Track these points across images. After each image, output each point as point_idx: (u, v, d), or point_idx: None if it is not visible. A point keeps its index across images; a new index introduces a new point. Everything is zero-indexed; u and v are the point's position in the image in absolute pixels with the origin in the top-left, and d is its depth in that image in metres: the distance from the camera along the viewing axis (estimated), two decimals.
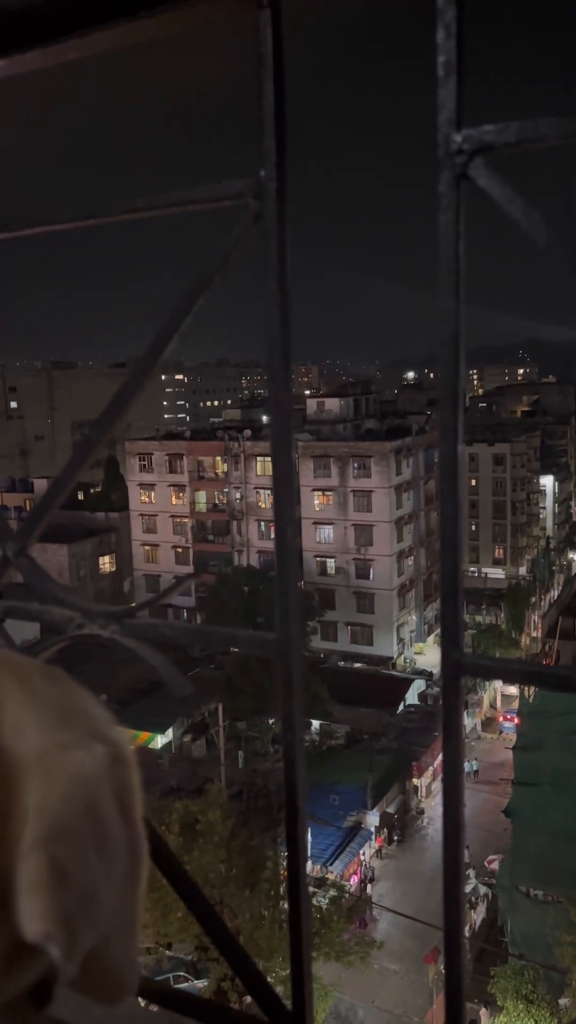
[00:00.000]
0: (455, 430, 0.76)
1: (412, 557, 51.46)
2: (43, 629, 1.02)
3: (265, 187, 0.81)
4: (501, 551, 68.36)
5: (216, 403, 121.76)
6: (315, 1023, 0.91)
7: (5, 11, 0.86)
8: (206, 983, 19.44)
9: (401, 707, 37.40)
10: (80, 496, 65.13)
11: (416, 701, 39.60)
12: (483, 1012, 19.95)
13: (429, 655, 49.26)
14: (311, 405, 59.21)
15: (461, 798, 0.79)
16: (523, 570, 62.97)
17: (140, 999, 1.08)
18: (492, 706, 42.92)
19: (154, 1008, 1.09)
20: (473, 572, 65.06)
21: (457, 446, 0.77)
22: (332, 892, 20.85)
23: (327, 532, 49.82)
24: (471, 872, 25.39)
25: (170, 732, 34.82)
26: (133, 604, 0.96)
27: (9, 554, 1.05)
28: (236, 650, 38.95)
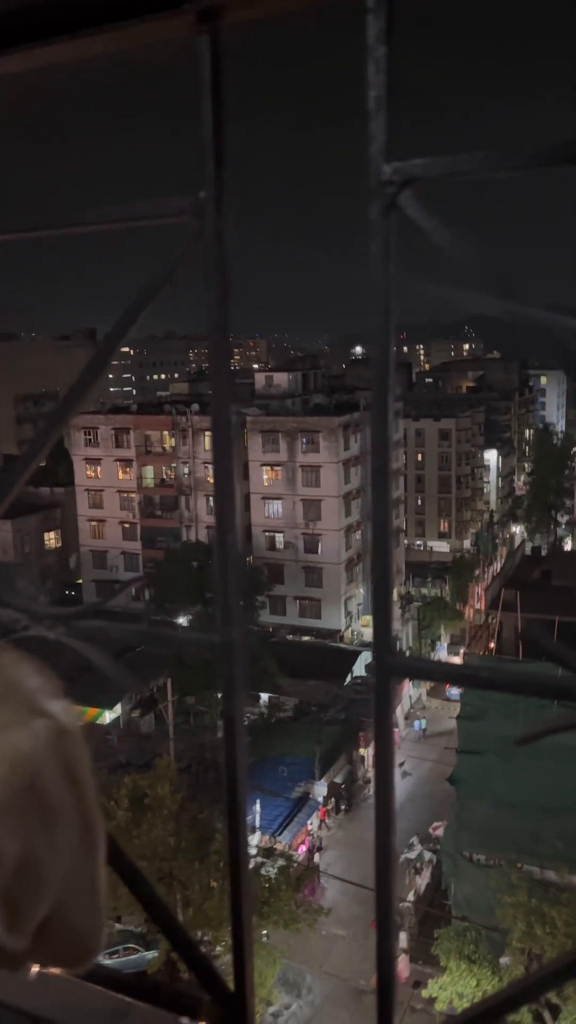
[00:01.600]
0: (385, 448, 0.80)
1: (360, 531, 51.92)
2: None
3: (205, 207, 0.83)
4: (446, 524, 69.36)
5: (163, 376, 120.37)
6: (255, 1002, 0.97)
7: None
8: (156, 954, 19.65)
9: (349, 679, 37.90)
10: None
11: (363, 673, 40.16)
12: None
13: None
14: (259, 379, 58.98)
15: (392, 792, 0.84)
16: (467, 543, 64.08)
17: (88, 983, 1.12)
18: None
19: (102, 990, 1.13)
20: (419, 545, 65.96)
21: (388, 460, 0.81)
22: (280, 862, 21.19)
23: (276, 507, 49.93)
24: (415, 839, 25.99)
25: (118, 708, 34.76)
26: (79, 607, 0.99)
27: None
28: (184, 623, 38.94)
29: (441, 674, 0.89)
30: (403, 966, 21.61)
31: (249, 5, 0.77)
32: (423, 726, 35.30)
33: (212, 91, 0.81)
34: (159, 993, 1.06)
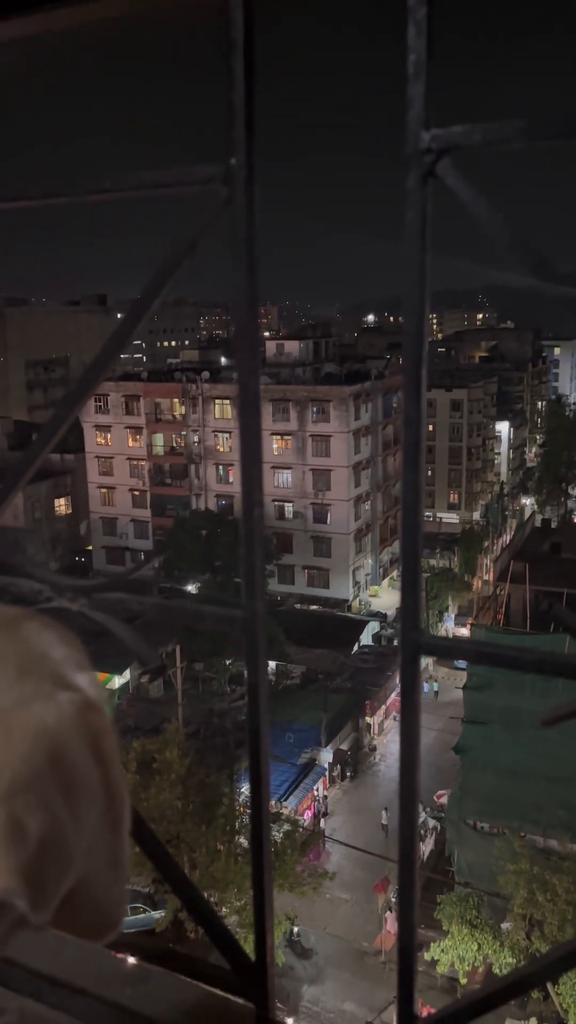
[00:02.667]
0: (418, 424, 0.79)
1: (369, 502, 51.87)
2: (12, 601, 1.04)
3: (235, 174, 0.81)
4: (456, 496, 69.20)
5: (174, 343, 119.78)
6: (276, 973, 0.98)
7: None
8: (163, 913, 20.03)
9: (356, 648, 38.13)
10: (34, 437, 63.98)
11: (370, 642, 40.38)
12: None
13: (384, 597, 50.09)
14: (270, 347, 58.62)
15: (418, 766, 0.84)
16: (477, 515, 63.96)
17: (107, 948, 1.14)
18: None
19: (121, 956, 1.15)
20: (428, 517, 65.88)
21: (420, 436, 0.80)
22: (286, 827, 21.48)
23: (285, 477, 49.88)
24: (420, 806, 26.28)
25: (127, 673, 35.10)
26: (102, 579, 0.99)
27: None
28: (193, 591, 39.11)
29: (467, 652, 0.88)
30: (395, 932, 21.94)
31: None
32: (435, 688, 35.63)
33: (244, 54, 0.79)
34: (178, 960, 1.07)
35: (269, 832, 0.98)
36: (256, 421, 0.88)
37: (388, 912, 22.31)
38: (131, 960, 1.12)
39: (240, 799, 21.58)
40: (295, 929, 21.12)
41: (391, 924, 22.24)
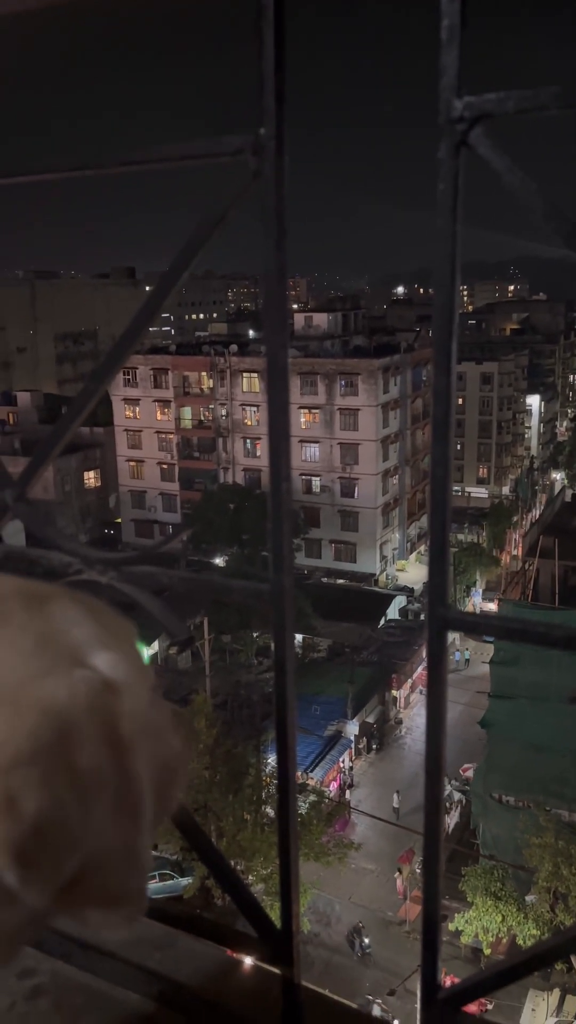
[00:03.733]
0: (447, 399, 0.78)
1: (397, 476, 51.64)
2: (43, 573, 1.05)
3: (264, 144, 0.80)
4: (485, 470, 68.66)
5: (202, 316, 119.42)
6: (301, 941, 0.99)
7: None
8: (190, 880, 20.40)
9: (382, 622, 38.19)
10: (63, 410, 64.33)
11: (397, 616, 40.41)
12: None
13: (411, 572, 50.02)
14: (298, 320, 58.24)
15: (443, 741, 0.85)
16: (506, 489, 63.45)
17: None
18: None
19: (148, 920, 1.17)
20: (457, 491, 65.40)
21: (450, 411, 0.79)
22: (312, 797, 21.71)
23: (313, 450, 49.78)
24: (445, 779, 26.44)
25: (156, 644, 35.49)
26: (131, 552, 1.00)
27: (8, 500, 1.07)
28: (221, 564, 39.31)
29: (493, 628, 0.88)
30: (420, 901, 22.24)
31: None
32: (466, 656, 35.74)
33: (275, 21, 0.77)
34: (205, 926, 1.09)
35: (296, 802, 0.99)
36: (284, 395, 0.88)
37: (397, 874, 22.58)
38: (158, 924, 1.14)
39: (266, 770, 21.83)
40: (366, 940, 21.20)
41: (400, 886, 22.55)
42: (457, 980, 0.98)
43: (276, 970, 1.01)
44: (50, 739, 0.47)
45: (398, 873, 22.58)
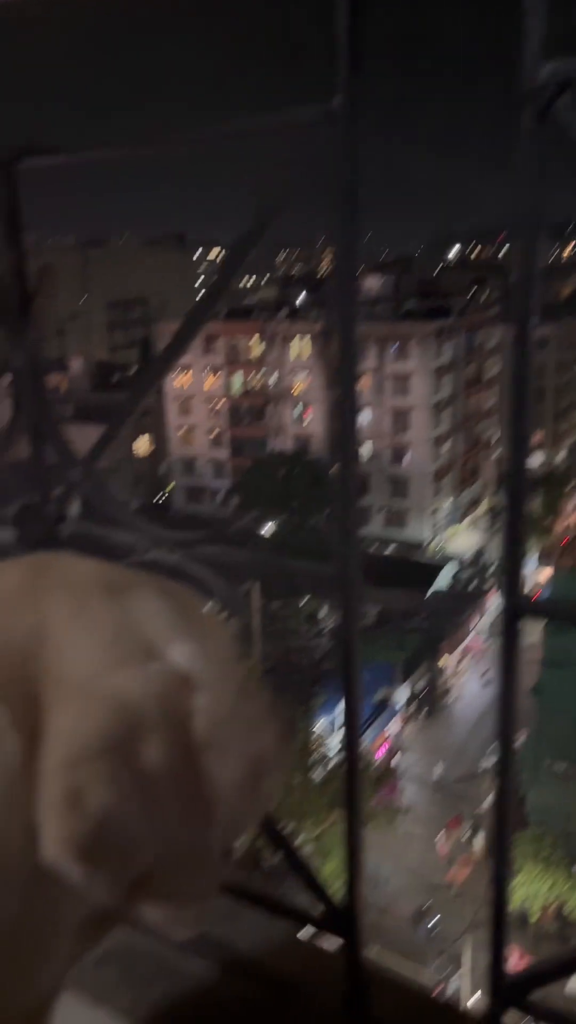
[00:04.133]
0: (524, 381, 0.76)
1: (449, 442, 51.03)
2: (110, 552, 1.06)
3: (338, 115, 0.78)
4: (540, 436, 67.42)
5: (252, 280, 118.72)
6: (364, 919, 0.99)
7: None
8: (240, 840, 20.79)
9: (432, 589, 38.03)
10: (115, 377, 64.88)
11: (448, 584, 40.21)
12: None
13: (462, 539, 49.59)
14: None
15: (514, 730, 0.83)
16: (562, 455, 62.28)
17: None
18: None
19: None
20: None
21: (525, 394, 0.77)
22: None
23: (363, 416, 49.39)
24: (495, 746, 26.44)
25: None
26: (199, 532, 1.00)
27: (76, 479, 1.08)
28: (267, 536, 39.50)
29: (571, 615, 0.86)
30: (468, 866, 22.43)
31: None
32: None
33: None
34: (269, 900, 1.11)
35: (362, 780, 0.99)
36: (352, 372, 0.86)
37: (443, 833, 22.58)
38: (223, 897, 1.16)
39: (314, 735, 22.05)
40: (433, 922, 21.14)
41: (442, 848, 22.62)
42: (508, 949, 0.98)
43: (340, 946, 1.02)
44: (119, 734, 0.46)
45: (444, 832, 22.74)
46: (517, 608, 0.81)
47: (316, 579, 0.97)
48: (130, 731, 0.46)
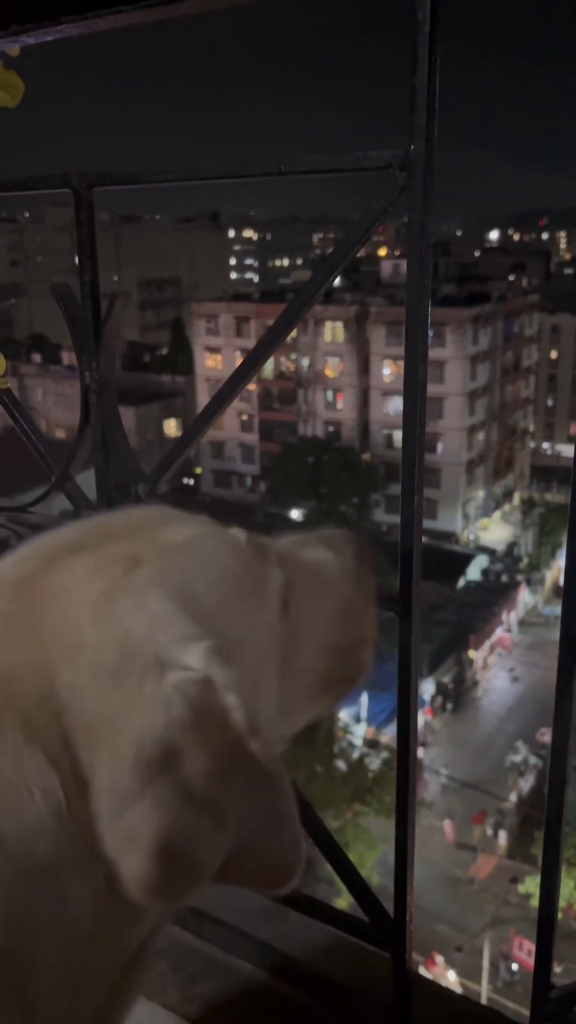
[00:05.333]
0: None
1: (483, 431, 50.63)
2: None
3: (414, 161, 0.80)
4: None
5: (286, 262, 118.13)
6: (412, 931, 1.03)
7: None
8: None
9: (462, 582, 37.87)
10: (146, 358, 65.09)
11: (478, 577, 40.00)
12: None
13: (494, 531, 49.26)
14: (386, 267, 57.07)
15: (567, 757, 0.86)
16: None
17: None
18: (557, 585, 43.13)
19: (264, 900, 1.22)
20: (546, 449, 63.85)
21: None
22: (385, 754, 21.96)
23: (396, 403, 49.09)
24: (520, 742, 26.35)
25: None
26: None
27: (141, 493, 1.11)
28: (298, 518, 39.50)
29: None
30: (491, 862, 22.42)
31: None
32: (558, 613, 35.34)
33: (430, 38, 0.76)
34: (316, 906, 1.14)
35: (415, 790, 1.01)
36: (422, 399, 0.88)
37: (447, 820, 22.50)
38: (273, 903, 1.19)
39: (338, 724, 22.13)
40: (515, 967, 20.22)
41: (449, 834, 22.50)
42: (526, 941, 1.00)
43: (386, 954, 1.05)
44: (155, 767, 0.46)
45: (448, 820, 22.73)
46: (575, 639, 0.83)
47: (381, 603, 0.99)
48: (165, 760, 0.47)
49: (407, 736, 0.95)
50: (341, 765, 21.09)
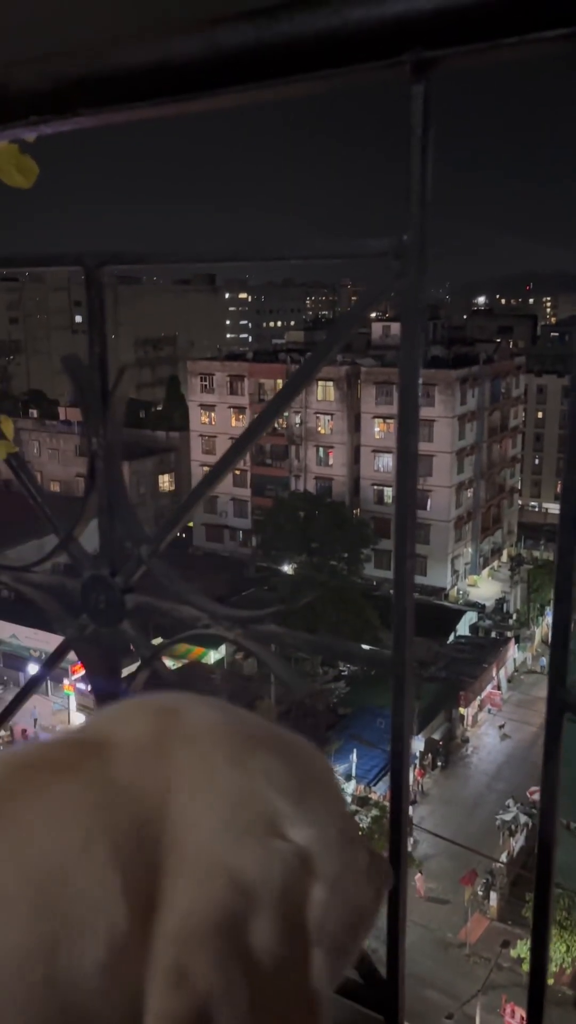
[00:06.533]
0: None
1: (472, 489, 51.00)
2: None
3: (408, 249, 0.86)
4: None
5: (279, 324, 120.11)
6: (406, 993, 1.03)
7: (167, 64, 0.91)
8: None
9: (452, 637, 37.71)
10: (142, 414, 65.67)
11: (467, 632, 39.85)
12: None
13: (483, 587, 49.28)
14: (376, 329, 58.11)
15: (556, 818, 0.88)
16: None
17: None
18: (544, 642, 42.97)
19: None
20: (533, 506, 64.29)
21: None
22: (375, 812, 21.59)
23: (386, 460, 49.52)
24: (511, 801, 25.95)
25: (223, 648, 35.82)
26: (259, 611, 1.06)
27: (143, 555, 1.15)
28: (289, 572, 39.44)
29: None
30: (481, 924, 21.91)
31: (467, 56, 0.78)
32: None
33: (422, 138, 0.83)
34: None
35: (407, 853, 1.03)
36: (413, 480, 0.92)
37: (418, 874, 21.91)
38: None
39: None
40: None
41: (420, 887, 21.80)
42: (519, 1009, 1.00)
43: (380, 1016, 1.05)
44: (234, 914, 0.44)
45: (419, 873, 22.23)
46: (563, 703, 0.86)
47: (372, 661, 1.02)
48: (244, 912, 0.44)
49: (399, 797, 0.97)
50: None
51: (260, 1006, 0.44)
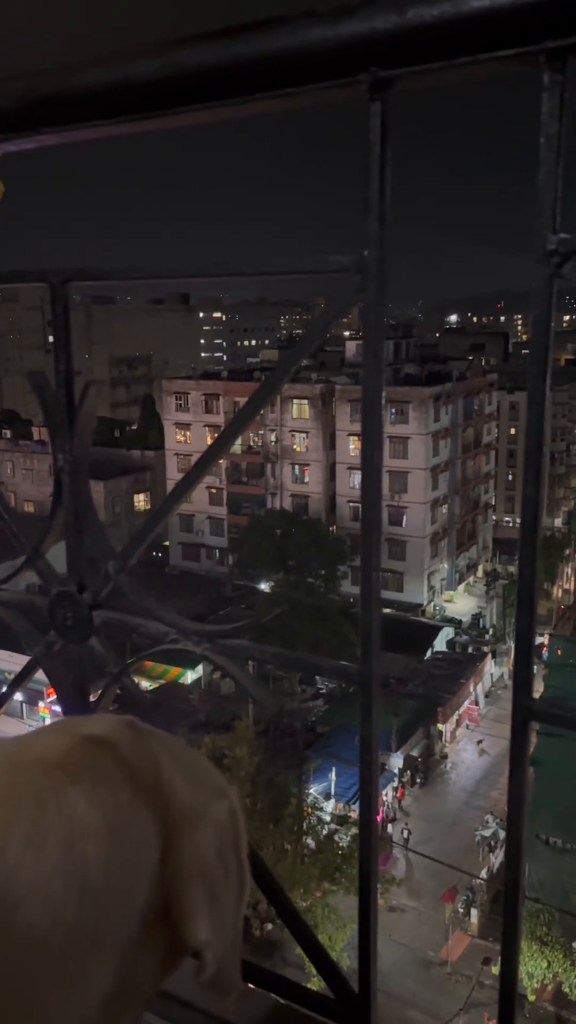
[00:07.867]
0: (535, 505, 0.83)
1: (446, 505, 51.30)
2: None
3: (368, 265, 0.87)
4: None
5: (254, 343, 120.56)
6: (378, 1007, 1.03)
7: (146, 80, 0.92)
8: None
9: (429, 653, 37.77)
10: (116, 433, 65.48)
11: (444, 648, 39.94)
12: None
13: (459, 603, 49.46)
14: (350, 348, 58.52)
15: (523, 828, 0.89)
16: (559, 521, 62.54)
17: None
18: None
19: None
20: (507, 522, 64.75)
21: (538, 522, 0.84)
22: (354, 830, 21.46)
23: (358, 479, 49.70)
24: (490, 817, 25.94)
25: (200, 668, 35.58)
26: (227, 625, 1.06)
27: (111, 571, 1.15)
28: (266, 590, 39.35)
29: None
30: (462, 942, 21.81)
31: (422, 76, 0.80)
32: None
33: (380, 155, 0.85)
34: (283, 986, 1.14)
35: (377, 868, 1.03)
36: (377, 499, 0.93)
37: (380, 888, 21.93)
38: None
39: (308, 800, 21.69)
40: None
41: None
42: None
43: None
44: (218, 848, 0.64)
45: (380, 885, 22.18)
46: (528, 712, 0.87)
47: (340, 673, 1.03)
48: (222, 848, 0.65)
49: (369, 808, 0.98)
50: (310, 842, 20.55)
51: (232, 887, 0.66)
